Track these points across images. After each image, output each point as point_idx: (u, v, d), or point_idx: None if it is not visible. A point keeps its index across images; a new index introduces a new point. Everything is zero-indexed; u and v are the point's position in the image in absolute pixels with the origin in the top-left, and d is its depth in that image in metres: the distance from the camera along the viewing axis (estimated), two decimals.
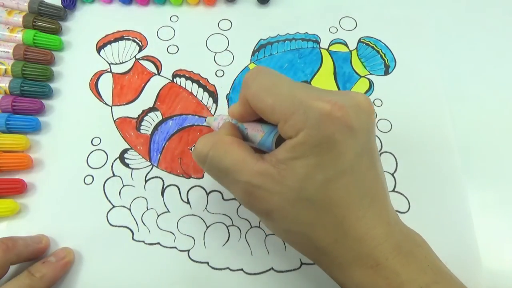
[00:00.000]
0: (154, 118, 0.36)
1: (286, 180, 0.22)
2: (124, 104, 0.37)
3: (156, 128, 0.36)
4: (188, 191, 0.33)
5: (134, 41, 0.40)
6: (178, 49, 0.40)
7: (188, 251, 0.31)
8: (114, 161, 0.35)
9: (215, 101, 0.37)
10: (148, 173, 0.34)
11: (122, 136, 0.36)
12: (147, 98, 0.37)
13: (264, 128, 0.25)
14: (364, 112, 0.23)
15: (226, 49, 0.40)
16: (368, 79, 0.38)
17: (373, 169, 0.24)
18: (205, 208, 0.33)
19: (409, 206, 0.33)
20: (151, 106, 0.37)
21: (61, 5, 0.40)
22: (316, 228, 0.23)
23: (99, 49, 0.40)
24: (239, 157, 0.23)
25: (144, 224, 0.32)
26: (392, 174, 0.34)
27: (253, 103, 0.24)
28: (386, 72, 0.39)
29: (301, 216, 0.23)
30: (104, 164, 0.34)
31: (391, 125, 0.36)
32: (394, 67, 0.39)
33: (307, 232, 0.23)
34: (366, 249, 0.22)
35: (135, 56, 0.39)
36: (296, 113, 0.22)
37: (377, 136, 0.36)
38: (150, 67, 0.39)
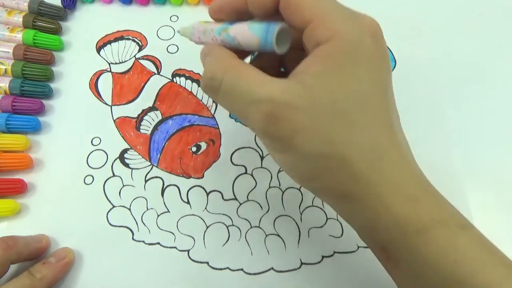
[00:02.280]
0: (154, 117, 0.36)
1: (316, 93, 0.20)
2: (124, 104, 0.37)
3: (156, 127, 0.36)
4: (188, 191, 0.33)
5: (134, 40, 0.40)
6: (178, 49, 0.40)
7: (188, 251, 0.31)
8: (114, 161, 0.35)
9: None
10: (148, 173, 0.34)
11: (122, 136, 0.36)
12: (147, 97, 0.37)
13: (255, 31, 0.21)
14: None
15: None
16: None
17: (395, 107, 0.23)
18: (205, 208, 0.33)
19: None
20: (151, 105, 0.37)
21: (61, 5, 0.40)
22: (351, 147, 0.20)
23: (99, 49, 0.40)
24: (257, 78, 0.21)
25: (144, 224, 0.32)
26: None
27: None
28: None
29: (334, 133, 0.20)
30: (104, 164, 0.34)
31: None
32: (394, 67, 0.39)
33: (342, 152, 0.20)
34: (405, 178, 0.21)
35: (135, 56, 0.39)
36: (335, 16, 0.20)
37: None
38: (150, 66, 0.39)
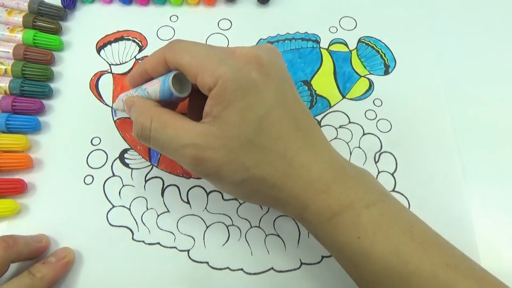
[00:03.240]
0: None
1: (225, 131, 0.23)
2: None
3: None
4: (188, 191, 0.33)
5: (134, 41, 0.40)
6: None
7: (188, 251, 0.31)
8: (114, 161, 0.35)
9: None
10: (148, 173, 0.34)
11: (122, 136, 0.36)
12: None
13: (158, 79, 0.27)
14: (273, 51, 0.26)
15: None
16: (368, 79, 0.38)
17: (299, 102, 0.26)
18: (205, 208, 0.33)
19: (409, 206, 0.33)
20: None
21: (61, 5, 0.40)
22: (264, 166, 0.24)
23: (99, 49, 0.40)
24: (179, 125, 0.24)
25: (144, 224, 0.32)
26: (392, 174, 0.34)
27: (172, 61, 0.25)
28: (386, 72, 0.39)
29: (247, 161, 0.24)
30: (104, 164, 0.34)
31: (391, 125, 0.36)
32: (394, 67, 0.39)
33: (257, 173, 0.24)
34: (315, 174, 0.24)
35: (135, 57, 0.39)
36: (211, 63, 0.23)
37: (377, 136, 0.36)
38: None
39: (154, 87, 0.27)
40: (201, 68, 0.24)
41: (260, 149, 0.24)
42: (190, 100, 0.30)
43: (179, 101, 0.31)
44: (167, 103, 0.28)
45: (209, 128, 0.23)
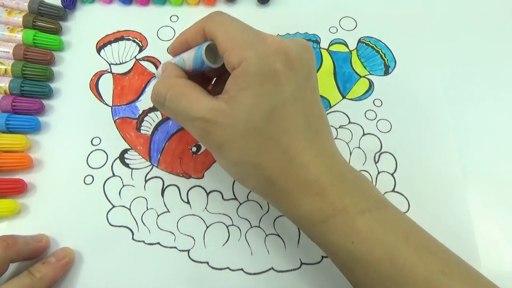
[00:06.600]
0: (154, 118, 0.36)
1: (235, 112, 0.23)
2: (124, 105, 0.37)
3: (156, 128, 0.36)
4: (188, 191, 0.33)
5: (134, 41, 0.40)
6: None
7: (188, 251, 0.31)
8: (114, 161, 0.35)
9: None
10: (148, 173, 0.34)
11: (122, 136, 0.36)
12: (148, 98, 0.37)
13: (195, 48, 0.27)
14: (304, 47, 0.26)
15: None
16: (368, 79, 0.38)
17: (317, 105, 0.26)
18: (205, 208, 0.33)
19: (409, 206, 0.33)
20: (152, 106, 0.37)
21: (61, 5, 0.40)
22: (264, 156, 0.24)
23: (99, 49, 0.40)
24: (194, 97, 0.25)
25: (144, 224, 0.32)
26: (392, 174, 0.34)
27: (208, 32, 0.26)
28: (386, 72, 0.39)
29: (249, 145, 0.24)
30: (104, 164, 0.34)
31: (391, 125, 0.36)
32: (394, 67, 0.39)
33: (256, 161, 0.24)
34: (312, 176, 0.24)
35: (135, 57, 0.39)
36: (241, 44, 0.24)
37: (377, 136, 0.36)
38: (150, 67, 0.39)
39: (189, 55, 0.27)
40: (231, 45, 0.24)
41: (265, 138, 0.24)
42: (219, 74, 0.30)
43: (212, 74, 0.31)
44: (200, 75, 0.29)
45: (221, 105, 0.24)
